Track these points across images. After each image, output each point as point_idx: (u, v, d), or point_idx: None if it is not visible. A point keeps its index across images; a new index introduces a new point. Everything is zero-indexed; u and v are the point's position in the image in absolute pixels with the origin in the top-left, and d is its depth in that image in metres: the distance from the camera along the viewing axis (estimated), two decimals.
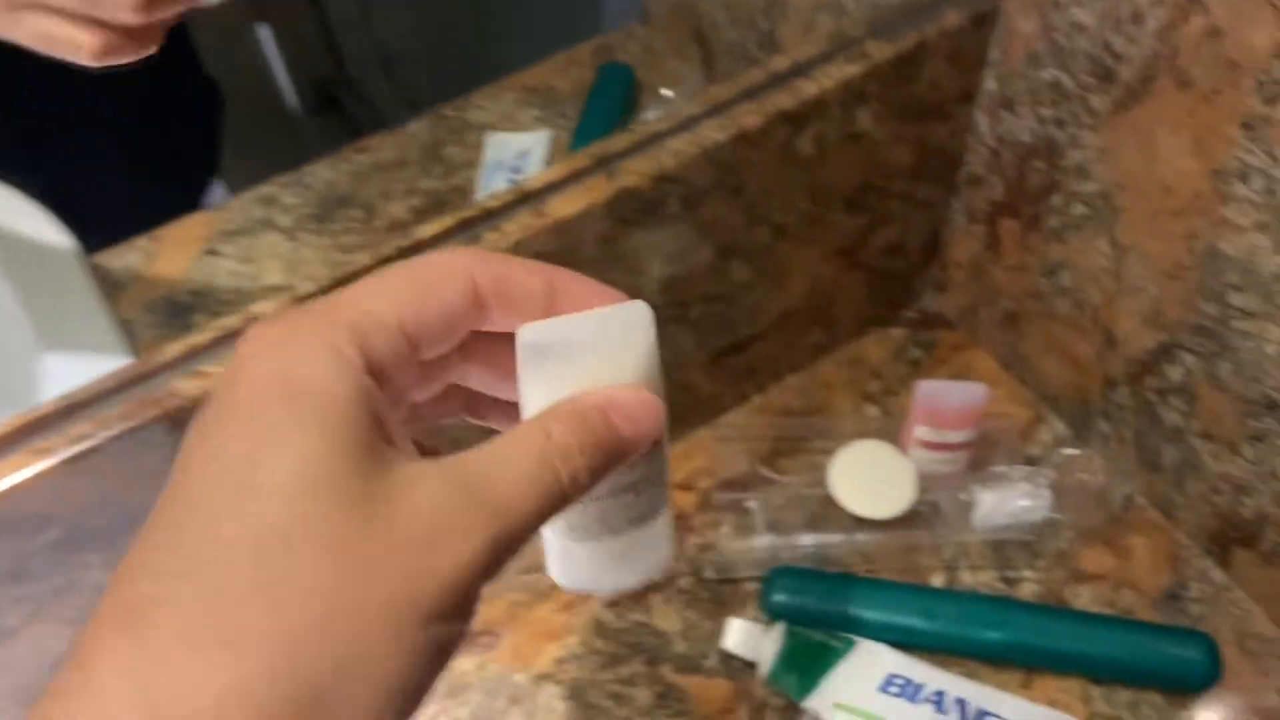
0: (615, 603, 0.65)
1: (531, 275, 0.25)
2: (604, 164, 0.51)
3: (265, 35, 1.16)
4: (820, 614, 0.62)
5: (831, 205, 0.63)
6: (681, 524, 0.69)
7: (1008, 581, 0.65)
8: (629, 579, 0.29)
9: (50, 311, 0.61)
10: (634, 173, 0.51)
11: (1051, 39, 0.56)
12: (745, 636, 0.61)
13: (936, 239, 0.75)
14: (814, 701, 0.60)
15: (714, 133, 0.53)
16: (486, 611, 0.65)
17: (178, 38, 0.47)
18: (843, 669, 0.60)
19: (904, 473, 0.65)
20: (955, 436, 0.63)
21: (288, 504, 0.19)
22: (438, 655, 0.20)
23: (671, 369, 0.63)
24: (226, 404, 0.21)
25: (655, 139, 0.52)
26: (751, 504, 0.67)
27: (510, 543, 0.21)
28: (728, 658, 0.62)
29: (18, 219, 0.63)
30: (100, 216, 0.72)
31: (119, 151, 0.79)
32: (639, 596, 0.65)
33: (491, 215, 0.50)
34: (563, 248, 0.51)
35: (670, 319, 0.62)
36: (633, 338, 0.25)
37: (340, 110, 1.28)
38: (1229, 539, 0.63)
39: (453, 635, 0.21)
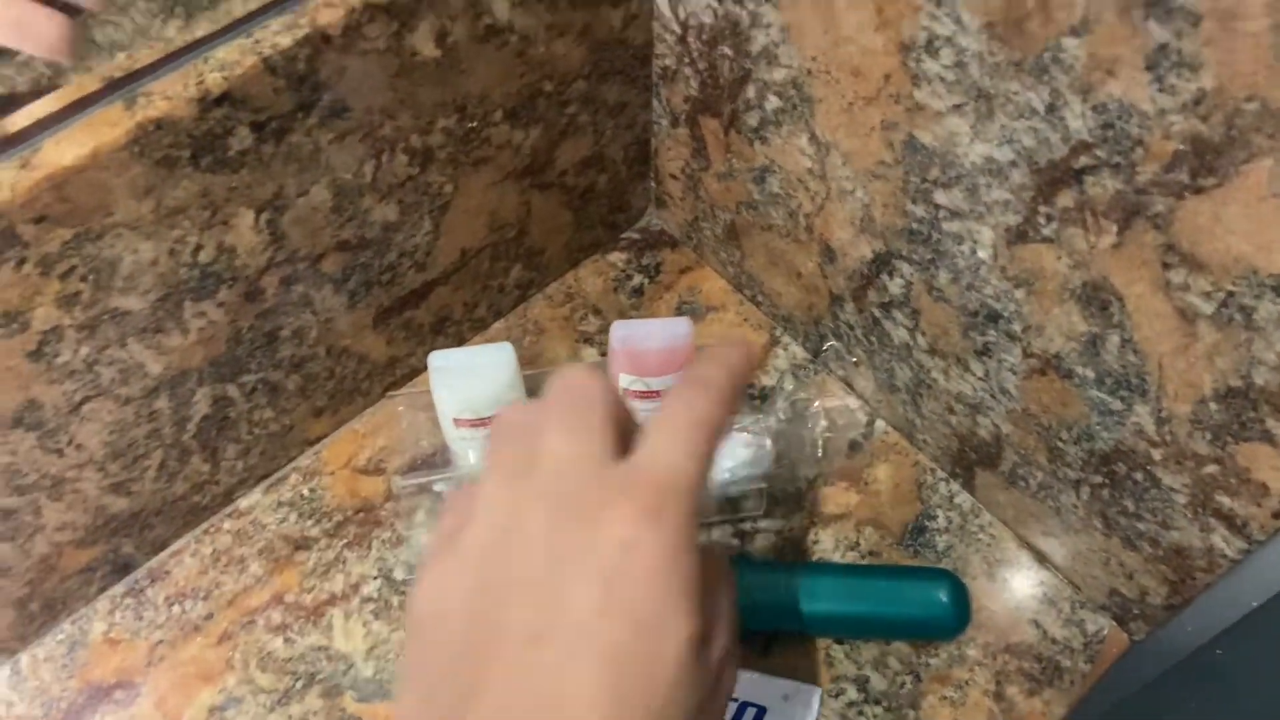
0: (284, 626, 0.54)
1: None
2: (118, 88, 0.38)
3: None
4: None
5: (490, 119, 0.52)
6: (366, 518, 0.58)
7: (742, 536, 0.57)
8: None
9: None
10: (165, 97, 0.38)
11: None
12: None
13: (647, 148, 0.65)
14: None
15: (276, 35, 0.40)
16: (122, 657, 0.53)
17: None
18: None
19: None
20: (663, 382, 0.54)
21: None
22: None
23: (327, 335, 0.49)
24: (569, 397, 0.31)
25: (193, 49, 0.39)
26: (442, 486, 0.57)
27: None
28: None
29: None
30: None
31: None
32: (316, 614, 0.54)
33: None
34: (80, 207, 0.38)
35: (299, 277, 0.50)
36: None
37: None
38: (970, 461, 0.56)
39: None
